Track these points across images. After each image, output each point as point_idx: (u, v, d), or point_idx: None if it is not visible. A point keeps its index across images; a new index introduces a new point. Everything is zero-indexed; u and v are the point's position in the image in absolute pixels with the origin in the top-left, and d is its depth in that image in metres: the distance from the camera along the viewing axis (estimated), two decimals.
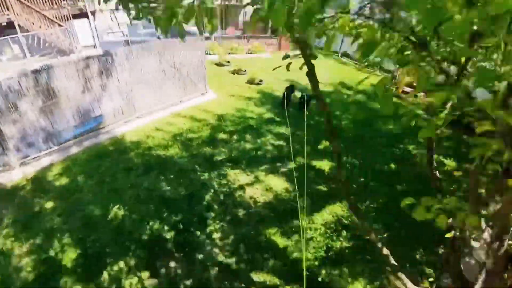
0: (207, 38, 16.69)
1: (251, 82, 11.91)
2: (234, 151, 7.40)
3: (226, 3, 21.86)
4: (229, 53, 16.55)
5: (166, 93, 9.25)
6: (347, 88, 12.45)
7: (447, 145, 7.88)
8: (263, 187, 6.29)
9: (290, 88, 10.11)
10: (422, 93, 12.92)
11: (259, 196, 6.04)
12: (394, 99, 11.56)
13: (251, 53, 17.21)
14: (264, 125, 8.64)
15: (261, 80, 11.95)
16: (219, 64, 14.24)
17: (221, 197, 6.00)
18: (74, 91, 7.29)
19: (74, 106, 7.42)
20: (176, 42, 8.80)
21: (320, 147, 7.72)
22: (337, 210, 5.72)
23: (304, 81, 12.43)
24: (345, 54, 18.83)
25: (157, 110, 9.19)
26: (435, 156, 3.03)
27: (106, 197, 5.94)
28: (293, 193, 6.05)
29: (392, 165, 7.08)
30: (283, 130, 8.35)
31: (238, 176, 6.59)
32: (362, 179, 6.56)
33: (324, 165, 6.96)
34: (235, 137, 8.05)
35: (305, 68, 2.70)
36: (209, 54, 15.94)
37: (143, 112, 8.92)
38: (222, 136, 8.05)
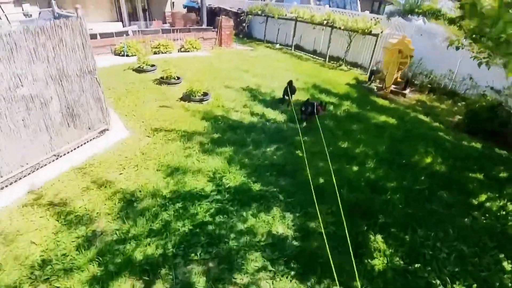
0: (121, 33, 11.35)
1: (189, 97, 7.16)
2: None
3: None
4: (155, 53, 11.51)
5: (15, 145, 4.17)
6: (325, 93, 8.57)
7: None
8: None
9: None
10: (408, 91, 9.82)
11: None
12: (385, 103, 7.91)
13: (184, 50, 12.33)
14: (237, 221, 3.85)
15: (205, 94, 7.36)
16: (140, 70, 9.14)
17: None
18: None
19: None
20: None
21: None
22: None
23: (265, 88, 8.14)
24: (298, 47, 15.13)
25: None
26: None
27: None
28: None
29: None
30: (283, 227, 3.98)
31: None
32: None
33: None
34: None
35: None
36: (126, 55, 10.69)
37: None
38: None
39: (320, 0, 20.63)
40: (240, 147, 5.22)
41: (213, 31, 13.48)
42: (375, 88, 10.11)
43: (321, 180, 4.41)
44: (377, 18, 12.08)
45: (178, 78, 8.35)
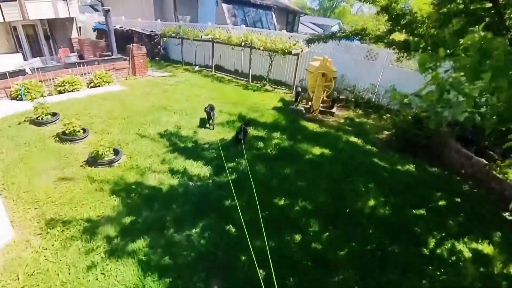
0: (15, 74, 9.12)
1: (95, 160, 5.54)
2: None
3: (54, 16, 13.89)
4: (60, 92, 9.54)
5: None
6: (253, 125, 7.79)
7: None
8: None
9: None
10: (335, 109, 9.67)
11: None
12: (315, 127, 7.52)
13: (94, 86, 10.49)
14: None
15: (115, 152, 5.78)
16: (38, 122, 7.12)
17: None
18: None
19: None
20: None
21: None
22: None
23: (186, 129, 7.10)
24: (218, 67, 14.28)
25: None
26: None
27: None
28: None
29: None
30: None
31: None
32: None
33: None
34: None
35: None
36: (24, 99, 8.62)
37: None
38: None
39: (236, 17, 20.18)
40: (159, 233, 4.00)
41: (125, 59, 11.84)
42: (303, 109, 9.70)
43: (262, 270, 3.46)
44: (295, 37, 11.85)
45: (84, 131, 6.71)
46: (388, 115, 9.49)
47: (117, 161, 5.73)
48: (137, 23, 18.00)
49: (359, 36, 8.27)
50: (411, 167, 6.42)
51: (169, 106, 8.72)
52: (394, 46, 7.22)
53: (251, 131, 7.41)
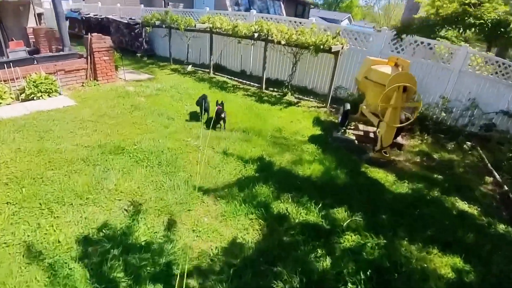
0: None
1: None
2: None
3: None
4: None
5: None
6: (289, 195, 3.80)
7: None
8: None
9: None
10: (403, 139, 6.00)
11: None
12: (385, 177, 4.80)
13: (27, 98, 6.44)
14: None
15: None
16: None
17: None
18: None
19: None
20: None
21: None
22: None
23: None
24: (218, 68, 10.35)
25: None
26: None
27: None
28: None
29: None
30: None
31: None
32: None
33: None
34: None
35: None
36: None
37: None
38: None
39: (239, 5, 16.17)
40: None
41: (80, 57, 7.81)
42: (355, 138, 5.90)
43: None
44: (332, 28, 8.00)
45: None
46: (469, 143, 5.94)
47: None
48: (116, 10, 13.89)
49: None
50: None
51: (131, 145, 4.71)
52: None
53: (293, 210, 3.53)
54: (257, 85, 8.94)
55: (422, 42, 7.08)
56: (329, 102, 7.66)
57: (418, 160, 5.60)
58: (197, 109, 6.10)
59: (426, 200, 4.26)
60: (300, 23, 8.51)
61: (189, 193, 3.62)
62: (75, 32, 14.49)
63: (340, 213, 3.65)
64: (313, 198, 3.80)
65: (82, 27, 14.04)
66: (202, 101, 5.82)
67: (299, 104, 7.78)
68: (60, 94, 6.80)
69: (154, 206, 3.38)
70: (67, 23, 15.41)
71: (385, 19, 36.09)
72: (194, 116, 6.14)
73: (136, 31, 11.87)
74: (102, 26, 12.86)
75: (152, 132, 5.24)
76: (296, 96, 8.32)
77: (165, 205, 3.40)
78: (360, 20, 40.74)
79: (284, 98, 8.10)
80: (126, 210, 3.29)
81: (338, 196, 3.98)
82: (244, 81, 9.36)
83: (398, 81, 4.77)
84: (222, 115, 5.58)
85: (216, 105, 5.66)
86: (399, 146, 5.89)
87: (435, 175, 5.01)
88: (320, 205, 3.68)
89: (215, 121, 5.56)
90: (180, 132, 5.39)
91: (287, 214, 3.50)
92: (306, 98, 8.29)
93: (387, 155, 5.25)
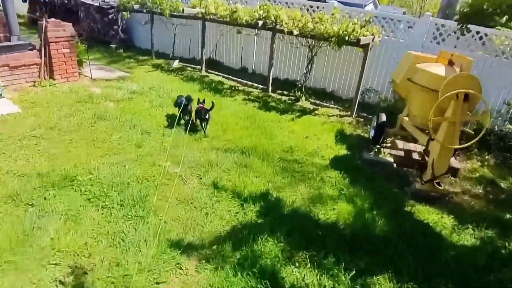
0: None
1: None
2: None
3: None
4: None
5: None
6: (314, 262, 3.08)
7: None
8: None
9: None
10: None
11: None
12: (439, 220, 4.13)
13: None
14: None
15: None
16: None
17: None
18: None
19: None
20: None
21: None
22: None
23: None
24: (212, 63, 9.82)
25: None
26: None
27: None
28: None
29: None
30: None
31: None
32: None
33: None
34: None
35: None
36: None
37: None
38: None
39: None
40: None
41: (33, 48, 7.22)
42: (393, 161, 5.24)
43: None
44: (360, 13, 7.46)
45: None
46: None
47: None
48: None
49: None
50: None
51: (85, 174, 4.03)
52: None
53: None
54: (261, 86, 8.40)
55: (478, 32, 6.46)
56: (355, 109, 7.03)
57: (480, 191, 4.96)
58: (176, 111, 5.70)
59: (503, 257, 3.57)
60: (317, 7, 7.93)
61: (160, 253, 2.94)
62: (36, 16, 13.96)
63: (383, 284, 2.94)
64: (341, 259, 3.10)
65: (45, 10, 13.56)
66: (181, 101, 5.56)
67: (316, 112, 7.16)
68: (1, 96, 6.20)
69: (105, 276, 2.69)
70: (27, 5, 15.12)
71: (420, 4, 35.76)
72: (178, 130, 5.49)
73: (110, 16, 11.36)
74: (68, 10, 12.45)
75: (117, 154, 4.58)
76: (312, 101, 7.72)
77: (122, 275, 2.71)
78: (387, 4, 40.45)
79: (297, 104, 7.52)
80: (62, 283, 2.60)
81: (378, 254, 3.28)
82: (245, 82, 8.84)
83: (457, 86, 4.13)
84: (206, 116, 5.28)
85: (198, 104, 5.44)
86: (454, 172, 5.20)
87: (508, 215, 4.33)
88: (354, 271, 2.98)
89: (193, 123, 5.40)
90: (156, 153, 4.73)
91: None
92: (325, 104, 7.71)
93: (441, 188, 4.55)
